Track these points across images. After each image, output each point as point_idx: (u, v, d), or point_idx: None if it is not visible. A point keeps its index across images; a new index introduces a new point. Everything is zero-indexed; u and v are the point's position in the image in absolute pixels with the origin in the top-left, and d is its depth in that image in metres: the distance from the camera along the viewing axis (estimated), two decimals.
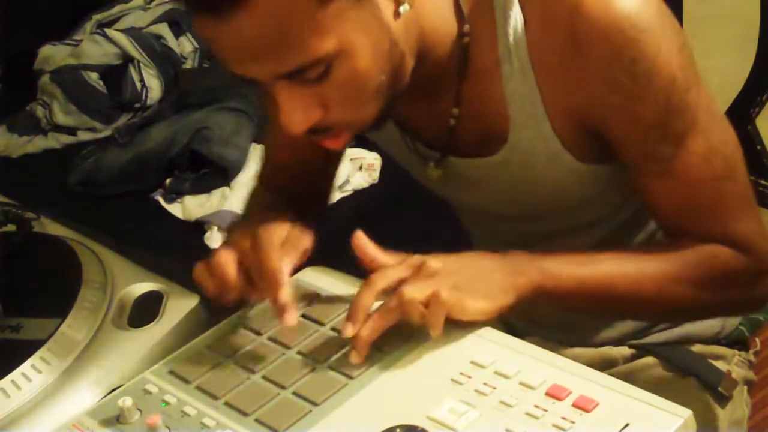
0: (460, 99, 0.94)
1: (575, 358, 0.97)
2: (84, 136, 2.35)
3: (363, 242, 0.87)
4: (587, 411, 0.72)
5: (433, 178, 1.01)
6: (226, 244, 0.92)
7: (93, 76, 2.36)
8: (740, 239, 0.92)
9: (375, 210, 1.93)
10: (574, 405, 0.73)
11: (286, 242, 0.88)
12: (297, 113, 0.83)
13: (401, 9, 0.83)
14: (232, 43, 0.79)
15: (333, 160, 1.17)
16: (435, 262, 0.84)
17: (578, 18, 0.84)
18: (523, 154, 0.93)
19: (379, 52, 0.82)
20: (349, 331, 0.82)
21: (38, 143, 2.37)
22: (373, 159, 2.05)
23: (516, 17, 0.88)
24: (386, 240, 0.88)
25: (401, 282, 0.83)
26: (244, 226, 0.93)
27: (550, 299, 0.88)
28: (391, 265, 0.85)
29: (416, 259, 0.85)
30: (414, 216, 1.78)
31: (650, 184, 0.91)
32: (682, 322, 1.07)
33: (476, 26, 0.90)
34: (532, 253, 0.88)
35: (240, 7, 0.76)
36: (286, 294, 0.85)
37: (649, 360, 1.08)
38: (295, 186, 1.13)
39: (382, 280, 0.84)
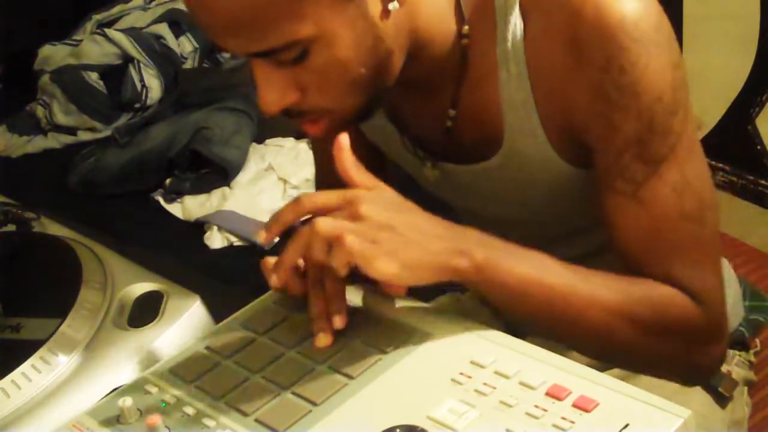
0: (457, 101, 0.94)
1: (576, 359, 0.97)
2: (84, 136, 2.35)
3: (345, 153, 0.84)
4: (587, 411, 0.72)
5: (431, 179, 1.01)
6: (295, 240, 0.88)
7: (93, 76, 2.36)
8: (696, 289, 0.87)
9: None
10: (574, 405, 0.73)
11: None
12: (271, 92, 0.83)
13: (390, 6, 0.82)
14: (210, 15, 0.79)
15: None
16: (369, 206, 0.80)
17: (577, 22, 0.83)
18: (517, 159, 0.93)
19: (362, 46, 0.82)
20: (261, 237, 0.82)
21: (38, 143, 2.37)
22: None
23: (516, 22, 0.88)
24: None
25: (327, 210, 0.81)
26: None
27: (485, 288, 0.84)
28: (324, 192, 0.82)
29: (353, 194, 0.81)
30: None
31: (616, 206, 0.88)
32: (618, 365, 0.98)
33: (476, 28, 0.90)
34: (488, 236, 0.85)
35: None
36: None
37: None
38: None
39: (308, 203, 0.82)
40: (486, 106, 0.92)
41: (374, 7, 0.82)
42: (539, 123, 0.90)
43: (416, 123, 1.00)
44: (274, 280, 0.83)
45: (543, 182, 0.94)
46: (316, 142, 1.19)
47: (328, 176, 1.11)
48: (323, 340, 0.83)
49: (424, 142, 1.00)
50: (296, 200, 0.82)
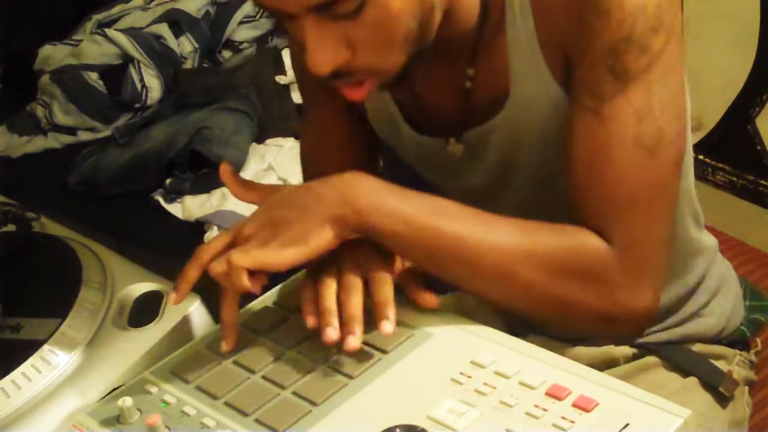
0: (476, 59, 0.93)
1: (577, 358, 0.97)
2: (84, 136, 2.35)
3: (232, 178, 0.91)
4: (587, 411, 0.72)
5: (455, 156, 1.00)
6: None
7: (93, 76, 2.36)
8: (623, 236, 0.85)
9: None
10: (574, 405, 0.73)
11: None
12: (324, 52, 0.82)
13: None
14: None
15: (373, 153, 1.16)
16: (250, 225, 0.85)
17: None
18: (525, 108, 0.92)
19: None
20: (172, 299, 0.87)
21: (38, 143, 2.37)
22: None
23: None
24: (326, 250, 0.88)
25: (223, 252, 0.85)
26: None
27: (375, 234, 0.84)
28: (216, 236, 0.88)
29: (236, 228, 0.86)
30: None
31: (577, 123, 0.87)
32: (525, 311, 0.92)
33: None
34: (384, 183, 0.85)
35: None
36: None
37: (651, 360, 1.08)
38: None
39: (205, 253, 0.86)
40: (496, 55, 0.91)
41: None
42: (543, 62, 0.89)
43: (433, 93, 0.99)
44: (223, 346, 0.87)
45: (554, 129, 0.91)
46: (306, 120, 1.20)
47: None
48: (332, 335, 0.82)
49: (437, 119, 0.99)
50: (194, 256, 0.87)
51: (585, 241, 0.85)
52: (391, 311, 0.82)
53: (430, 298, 0.87)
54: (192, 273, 0.87)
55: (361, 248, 0.86)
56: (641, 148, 0.85)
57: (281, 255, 0.82)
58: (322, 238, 0.83)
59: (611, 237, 0.85)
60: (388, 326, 0.82)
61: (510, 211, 0.89)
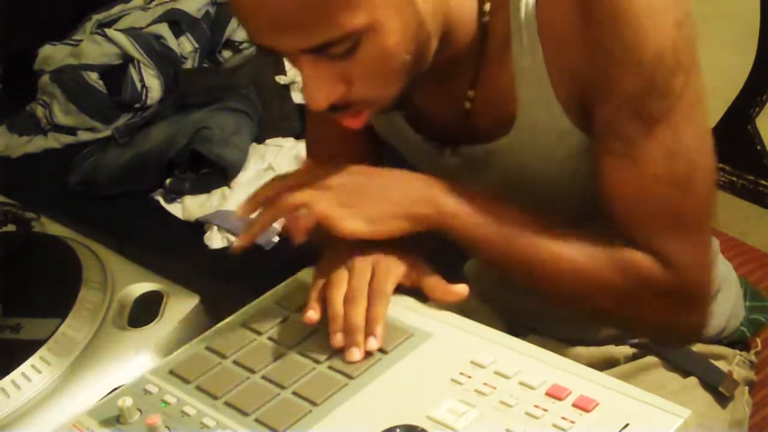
0: (477, 80, 0.93)
1: (577, 357, 0.97)
2: (84, 136, 2.35)
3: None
4: (587, 411, 0.72)
5: (450, 167, 1.01)
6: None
7: (93, 76, 2.36)
8: (671, 255, 0.88)
9: None
10: (574, 405, 0.73)
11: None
12: (320, 89, 0.83)
13: None
14: (261, 13, 0.79)
15: (378, 153, 1.16)
16: (335, 177, 0.87)
17: None
18: (531, 134, 0.92)
19: (407, 32, 0.82)
20: (241, 210, 0.90)
21: (38, 143, 2.36)
22: None
23: None
24: (387, 239, 0.88)
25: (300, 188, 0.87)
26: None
27: (452, 238, 0.88)
28: (294, 172, 0.90)
29: (320, 172, 0.88)
30: None
31: (608, 166, 0.88)
32: (592, 321, 1.03)
33: (494, 4, 0.90)
34: (456, 185, 0.89)
35: None
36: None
37: (651, 359, 1.08)
38: None
39: (280, 183, 0.89)
40: (501, 81, 0.91)
41: None
42: (553, 93, 0.89)
43: (433, 109, 0.99)
44: (238, 242, 0.91)
45: (557, 157, 0.92)
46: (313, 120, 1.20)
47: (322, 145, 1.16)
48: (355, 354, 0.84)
49: (439, 129, 1.00)
50: (269, 183, 0.89)
51: (639, 263, 0.88)
52: (379, 328, 0.84)
53: (460, 288, 0.88)
54: (262, 194, 0.89)
55: (374, 250, 0.88)
56: (677, 186, 0.87)
57: (350, 224, 0.86)
58: (393, 229, 0.86)
59: (665, 259, 0.88)
60: (373, 342, 0.84)
61: None
